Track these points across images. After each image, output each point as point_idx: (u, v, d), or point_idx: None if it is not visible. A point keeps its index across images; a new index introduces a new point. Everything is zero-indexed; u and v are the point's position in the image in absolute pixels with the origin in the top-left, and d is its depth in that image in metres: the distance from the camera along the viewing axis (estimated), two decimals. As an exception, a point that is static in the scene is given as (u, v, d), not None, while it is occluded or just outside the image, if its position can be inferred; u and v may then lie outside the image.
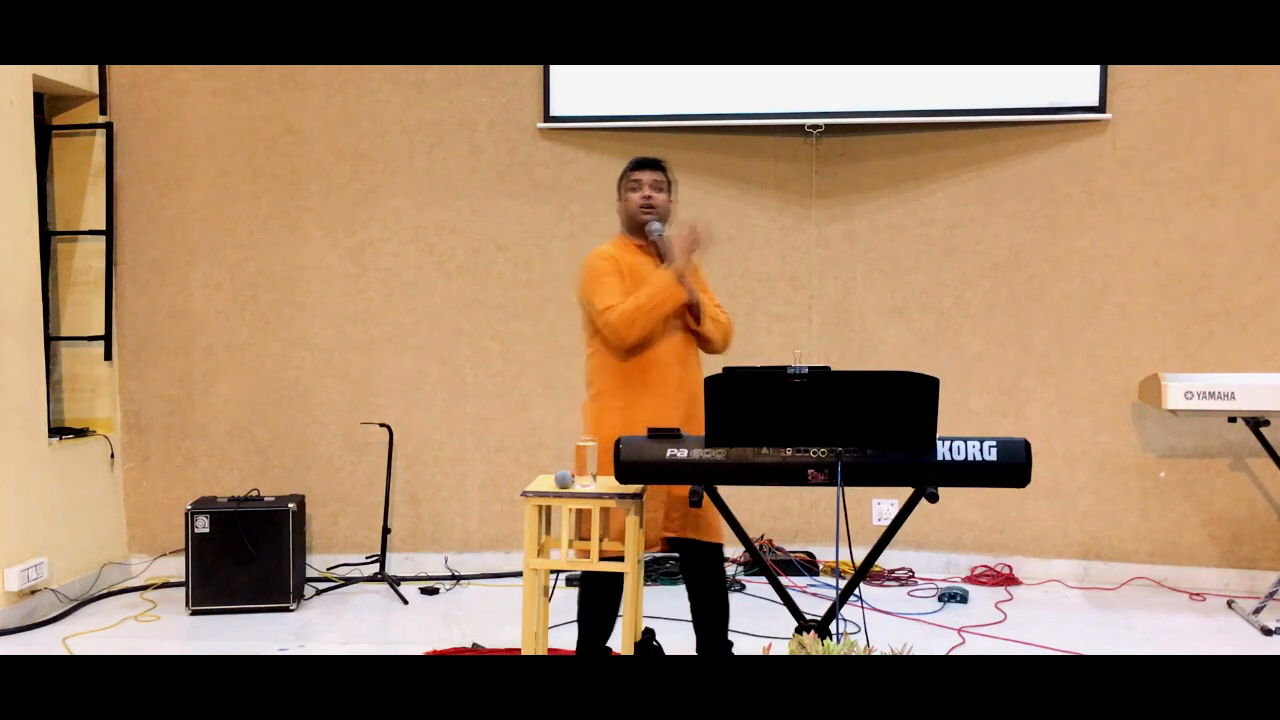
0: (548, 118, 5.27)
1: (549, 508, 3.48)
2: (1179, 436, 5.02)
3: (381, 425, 5.19)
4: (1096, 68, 4.98)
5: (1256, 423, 4.55)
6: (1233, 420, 4.63)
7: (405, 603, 4.79)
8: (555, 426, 5.30)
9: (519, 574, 3.56)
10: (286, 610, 4.64)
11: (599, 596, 3.56)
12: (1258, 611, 4.48)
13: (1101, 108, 5.00)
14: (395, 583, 4.94)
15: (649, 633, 3.57)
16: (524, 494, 3.41)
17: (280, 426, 5.28)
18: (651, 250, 3.57)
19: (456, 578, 5.16)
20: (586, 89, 5.25)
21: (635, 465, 3.18)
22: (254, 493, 4.90)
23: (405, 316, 5.32)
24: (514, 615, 3.56)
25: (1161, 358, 4.93)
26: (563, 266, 5.34)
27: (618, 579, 3.49)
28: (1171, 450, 5.04)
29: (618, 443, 3.20)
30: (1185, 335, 4.97)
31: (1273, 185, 4.90)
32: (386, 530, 5.05)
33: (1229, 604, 4.71)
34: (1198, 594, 4.89)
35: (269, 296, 5.27)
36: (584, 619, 3.60)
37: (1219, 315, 4.95)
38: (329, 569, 5.17)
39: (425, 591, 4.97)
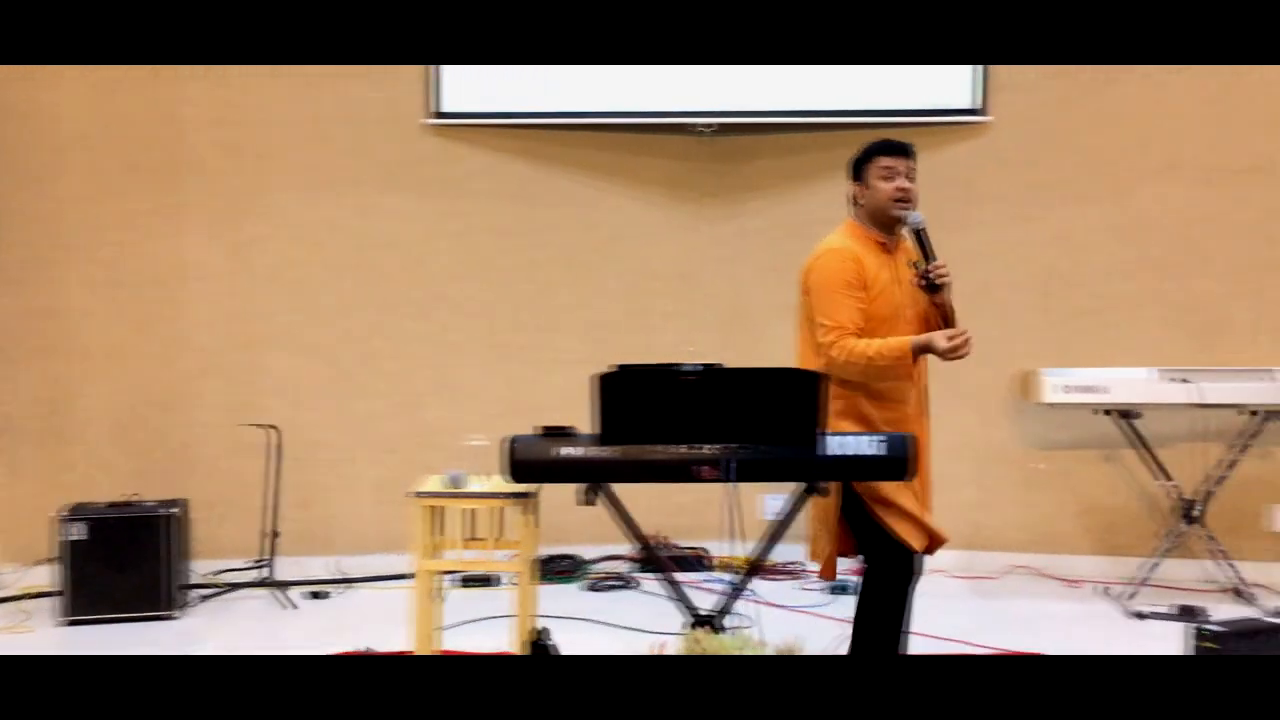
0: (436, 114, 5.21)
1: (441, 508, 3.44)
2: (1056, 429, 5.20)
3: (267, 426, 5.06)
4: (977, 72, 5.13)
5: (1127, 415, 4.74)
6: (1105, 413, 4.81)
7: (293, 608, 4.69)
8: (448, 426, 5.24)
9: (411, 576, 3.52)
10: (168, 619, 4.50)
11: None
12: (1129, 597, 4.67)
13: (982, 111, 5.15)
14: (283, 587, 4.83)
15: (541, 632, 3.55)
16: (414, 495, 3.37)
17: (160, 429, 5.12)
18: (894, 247, 3.17)
19: (347, 581, 5.06)
20: (476, 85, 5.21)
21: (528, 464, 3.15)
22: (133, 497, 4.73)
23: (292, 315, 5.20)
24: (406, 618, 3.51)
25: (1039, 353, 5.09)
26: (453, 264, 5.29)
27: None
28: (1049, 443, 5.21)
29: (510, 441, 3.18)
30: (1061, 331, 5.14)
31: (1141, 187, 5.10)
32: (274, 534, 4.93)
33: (1103, 590, 4.89)
34: (1073, 581, 5.06)
35: (147, 295, 5.09)
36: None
37: (1092, 312, 5.14)
38: (213, 575, 5.02)
39: (314, 596, 4.87)
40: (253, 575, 4.97)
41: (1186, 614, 4.41)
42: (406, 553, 5.22)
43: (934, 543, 3.20)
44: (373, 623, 4.46)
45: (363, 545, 5.24)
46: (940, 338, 2.91)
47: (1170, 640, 4.10)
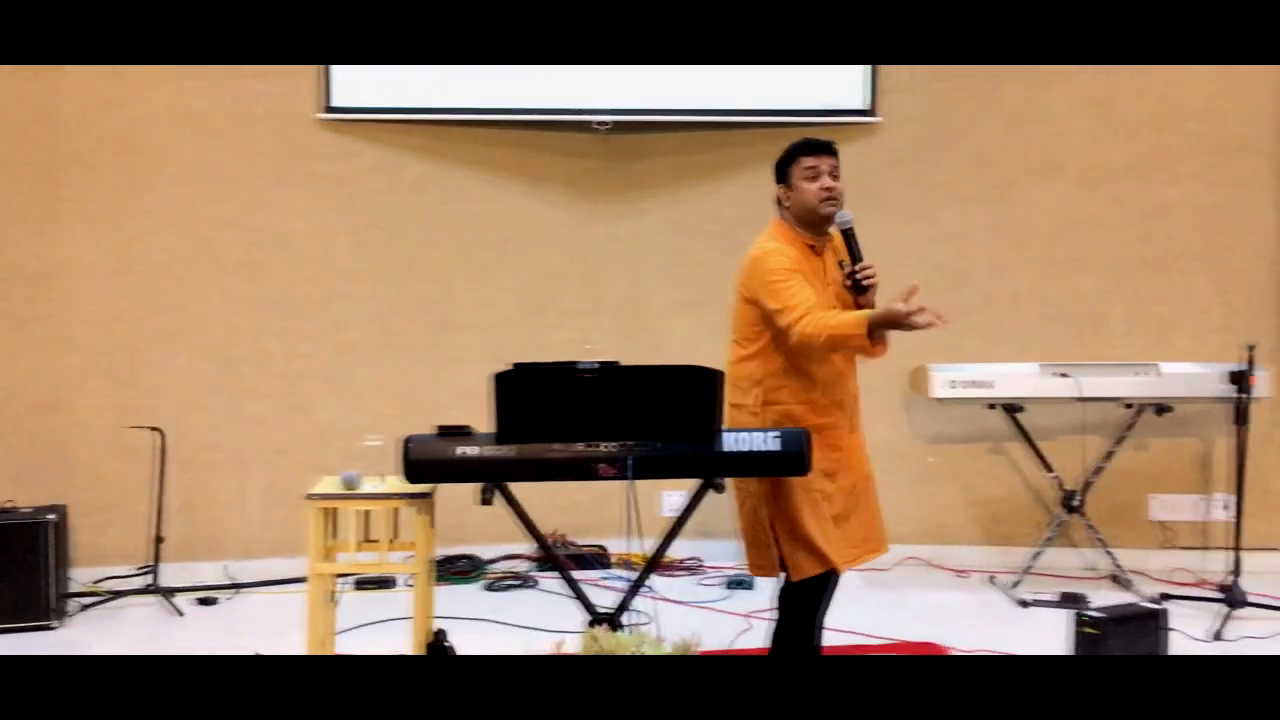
0: (328, 108, 5.11)
1: (335, 510, 3.38)
2: (945, 424, 5.33)
3: (152, 429, 4.91)
4: (868, 73, 5.22)
5: (1012, 409, 4.88)
6: (991, 407, 4.95)
7: (180, 615, 4.56)
8: (341, 427, 5.15)
9: (304, 580, 3.45)
10: (47, 629, 4.34)
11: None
12: (1015, 585, 4.82)
13: (872, 111, 5.25)
14: (169, 594, 4.69)
15: (439, 634, 3.52)
16: (308, 496, 3.31)
17: (38, 433, 4.92)
18: (822, 249, 3.15)
19: (236, 586, 4.94)
20: (369, 80, 5.12)
21: (424, 464, 3.12)
22: (8, 504, 4.54)
23: (178, 314, 5.06)
24: (299, 622, 3.44)
25: (929, 349, 5.20)
26: (347, 261, 5.21)
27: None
28: (938, 437, 5.35)
29: (406, 441, 3.14)
30: (949, 327, 5.22)
31: (1024, 187, 5.26)
32: (159, 539, 4.79)
33: (990, 579, 5.03)
34: (962, 571, 5.20)
35: (23, 294, 4.90)
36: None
37: (978, 308, 5.28)
38: (95, 583, 4.85)
39: (202, 602, 4.74)
40: (138, 582, 4.82)
41: (1069, 601, 4.56)
42: (299, 556, 5.12)
43: (852, 558, 3.19)
44: (265, 628, 4.36)
45: (253, 550, 5.12)
46: (898, 304, 2.85)
47: (1055, 627, 4.24)
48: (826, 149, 3.11)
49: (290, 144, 5.12)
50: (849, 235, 3.09)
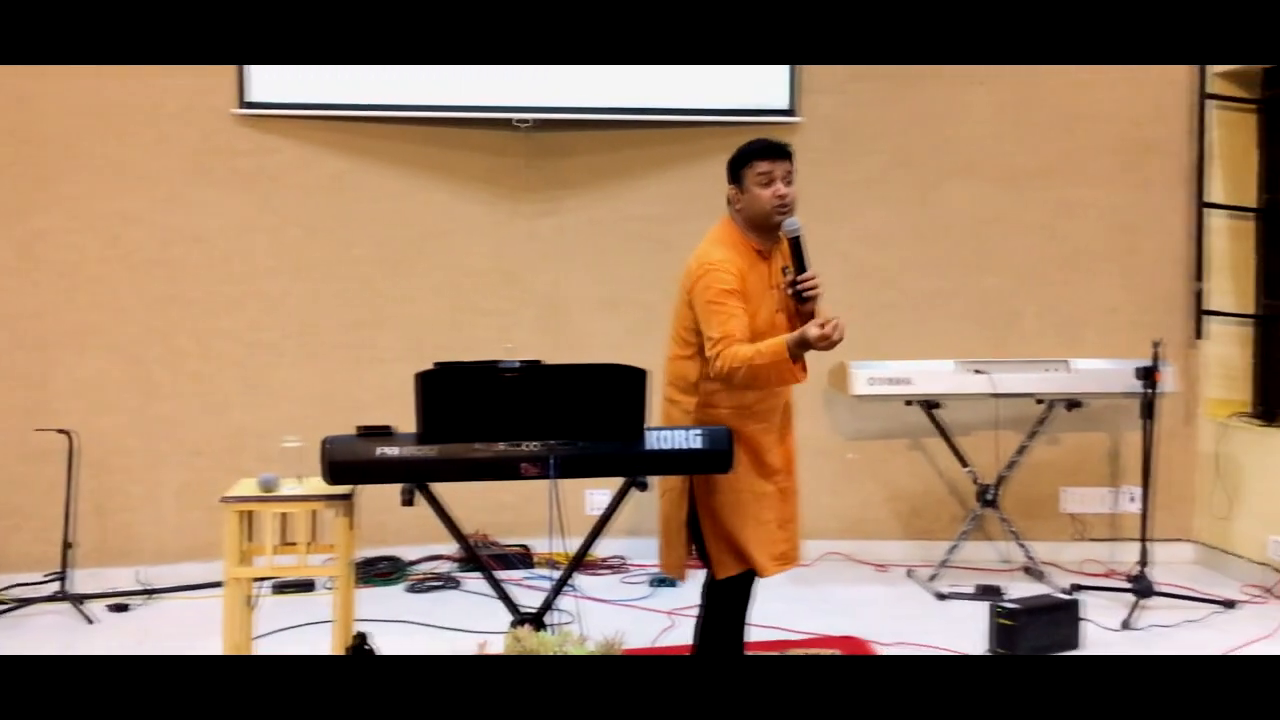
0: (245, 103, 5.02)
1: (252, 513, 3.32)
2: (864, 420, 5.41)
3: (61, 431, 4.77)
4: (788, 74, 5.27)
5: (930, 405, 4.97)
6: (910, 404, 5.03)
7: (91, 622, 4.44)
8: (259, 428, 5.06)
9: (221, 584, 3.38)
10: (-49, 639, 4.20)
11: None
12: (933, 579, 4.90)
13: (792, 111, 5.30)
14: (79, 601, 4.56)
15: (361, 636, 3.47)
16: (224, 499, 3.25)
17: (-60, 436, 4.77)
18: (770, 254, 3.12)
19: (150, 592, 4.82)
20: (288, 76, 5.04)
21: (344, 465, 3.08)
22: (-91, 511, 4.39)
23: (88, 314, 4.92)
24: (216, 628, 3.37)
25: (848, 347, 5.24)
26: (264, 259, 5.11)
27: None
28: (858, 433, 5.42)
29: (325, 442, 3.09)
30: (869, 325, 5.35)
31: (941, 187, 5.36)
32: (68, 545, 4.65)
33: (908, 573, 5.12)
34: (882, 565, 5.28)
35: (-77, 292, 4.74)
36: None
37: (897, 306, 5.37)
38: (2, 590, 4.70)
39: (115, 609, 4.62)
40: (47, 589, 4.68)
41: (985, 593, 4.66)
42: (215, 561, 5.02)
43: (783, 563, 3.21)
44: (180, 635, 4.27)
45: (167, 554, 5.00)
46: (811, 328, 2.82)
47: (973, 620, 4.33)
48: (782, 153, 3.05)
49: (206, 139, 5.01)
50: (795, 244, 3.04)
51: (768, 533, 3.15)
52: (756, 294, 3.04)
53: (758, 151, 3.03)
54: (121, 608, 4.63)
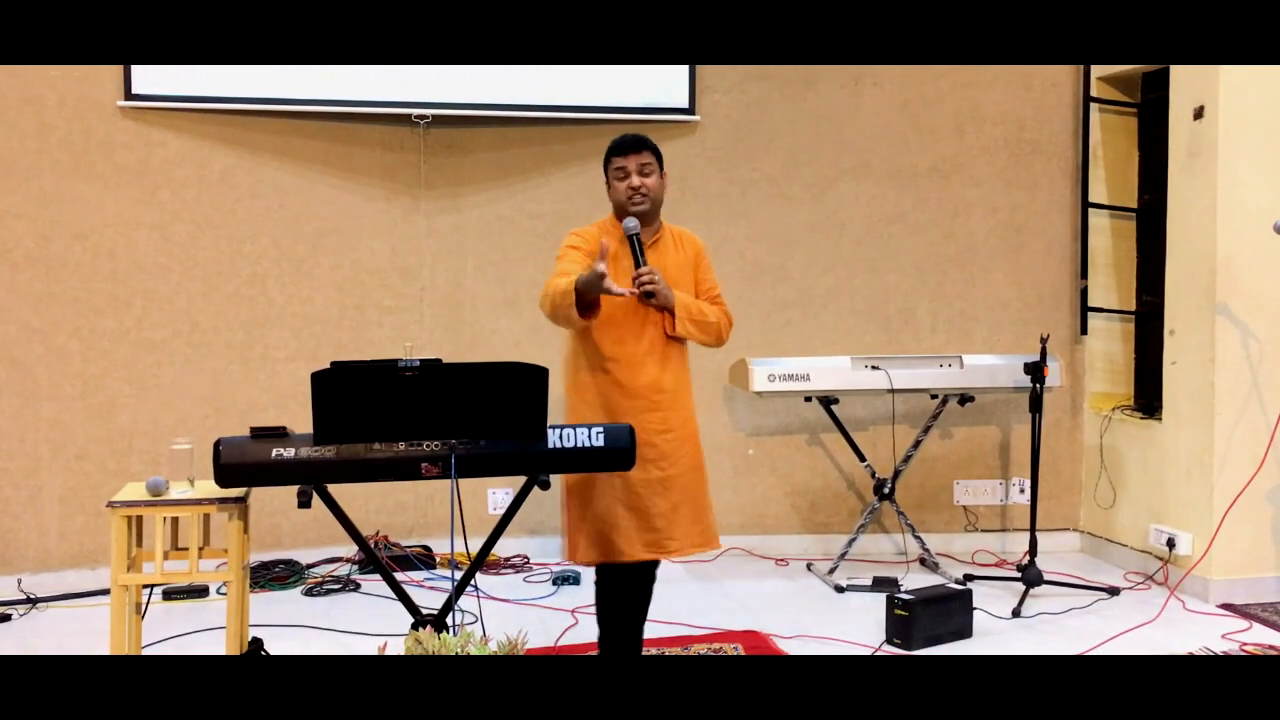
0: (129, 96, 4.86)
1: (140, 518, 3.21)
2: (764, 416, 5.47)
3: (-66, 436, 4.57)
4: (687, 74, 5.30)
5: (827, 401, 5.04)
6: (808, 399, 5.10)
7: (-31, 634, 4.26)
8: (147, 430, 4.91)
9: (107, 592, 3.27)
10: None
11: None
12: (831, 572, 4.98)
13: (691, 110, 5.34)
14: (-44, 613, 4.37)
15: (256, 642, 3.40)
16: (110, 504, 3.14)
17: None
18: (647, 245, 3.30)
19: (32, 601, 4.64)
20: (174, 67, 4.89)
21: (237, 467, 3.00)
22: None
23: (-39, 312, 4.72)
24: (102, 637, 3.26)
25: (748, 344, 5.33)
26: (151, 256, 4.96)
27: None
28: (758, 429, 5.48)
29: (217, 444, 3.01)
30: (768, 322, 5.41)
31: (837, 186, 5.44)
32: (-57, 554, 4.46)
33: (808, 566, 5.19)
34: (782, 559, 5.35)
35: None
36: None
37: (795, 304, 5.44)
38: None
39: (-5, 620, 4.44)
40: (-81, 601, 4.48)
41: (881, 585, 4.75)
42: (102, 567, 4.86)
43: (660, 551, 3.31)
44: (65, 644, 4.12)
45: (50, 562, 4.82)
46: (596, 267, 2.96)
47: (870, 611, 4.41)
48: (634, 147, 3.26)
49: (88, 133, 4.84)
50: (631, 242, 3.24)
51: (651, 521, 3.26)
52: (623, 265, 3.25)
53: (613, 148, 3.30)
54: (3, 618, 4.45)
